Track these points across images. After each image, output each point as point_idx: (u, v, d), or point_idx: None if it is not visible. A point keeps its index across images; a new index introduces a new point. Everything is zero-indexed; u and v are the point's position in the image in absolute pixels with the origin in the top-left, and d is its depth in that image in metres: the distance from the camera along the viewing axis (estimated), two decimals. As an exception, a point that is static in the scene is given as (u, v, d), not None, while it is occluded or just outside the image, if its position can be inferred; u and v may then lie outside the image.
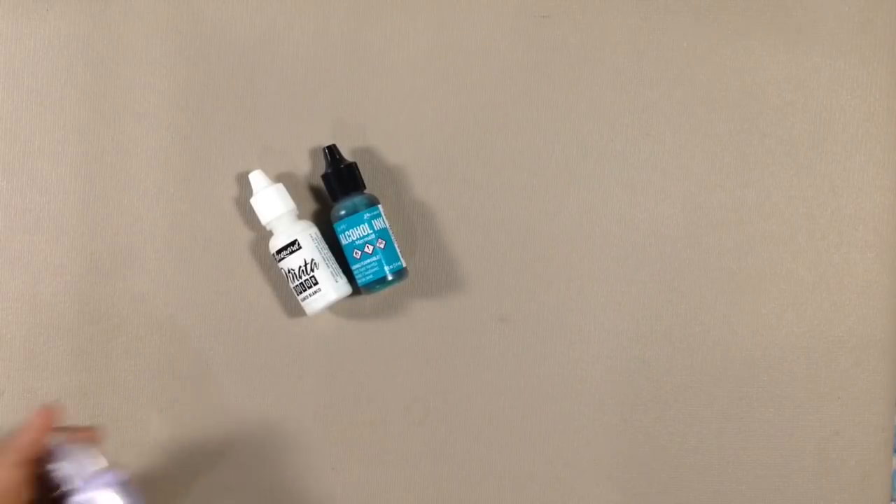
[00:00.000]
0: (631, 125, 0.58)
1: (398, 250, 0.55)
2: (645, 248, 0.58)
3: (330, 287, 0.54)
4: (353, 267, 0.55)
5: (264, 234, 0.57)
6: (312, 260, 0.53)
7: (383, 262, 0.54)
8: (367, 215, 0.54)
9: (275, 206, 0.54)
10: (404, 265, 0.55)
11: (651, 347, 0.58)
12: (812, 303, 0.58)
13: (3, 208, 0.56)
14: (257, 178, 0.55)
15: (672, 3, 0.59)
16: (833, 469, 0.58)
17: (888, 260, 0.59)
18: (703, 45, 0.59)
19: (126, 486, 0.42)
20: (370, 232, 0.54)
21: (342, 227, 0.54)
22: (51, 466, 0.43)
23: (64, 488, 0.42)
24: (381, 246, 0.54)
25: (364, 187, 0.56)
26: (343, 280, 0.55)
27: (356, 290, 0.56)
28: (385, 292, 0.57)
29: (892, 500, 0.61)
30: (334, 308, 0.57)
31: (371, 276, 0.54)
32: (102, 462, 0.43)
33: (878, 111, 0.59)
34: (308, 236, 0.54)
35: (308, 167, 0.57)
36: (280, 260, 0.54)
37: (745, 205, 0.58)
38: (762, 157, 0.59)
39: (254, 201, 0.55)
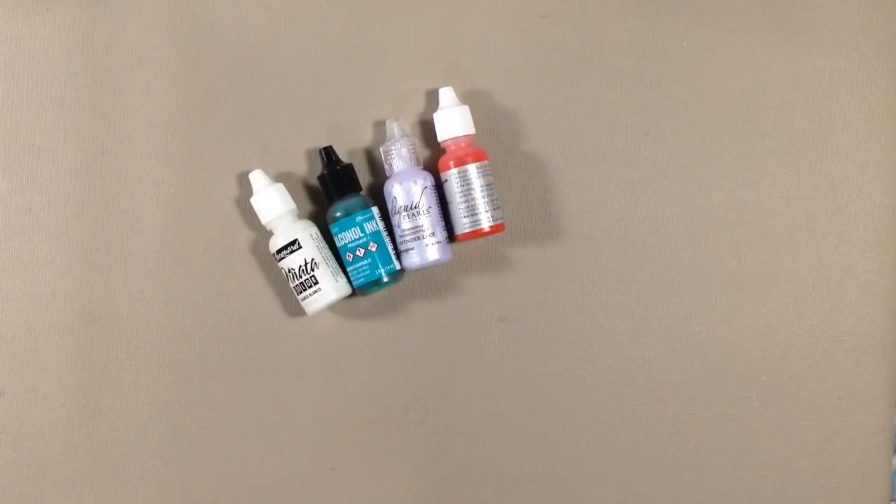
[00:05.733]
0: (631, 125, 0.58)
1: (391, 253, 0.55)
2: (645, 248, 0.58)
3: (330, 286, 0.54)
4: (347, 269, 0.55)
5: (264, 234, 0.57)
6: (313, 259, 0.53)
7: (375, 265, 0.54)
8: (359, 218, 0.54)
9: (275, 205, 0.54)
10: (398, 267, 0.55)
11: (651, 347, 0.58)
12: (812, 303, 0.58)
13: (3, 208, 0.57)
14: (257, 178, 0.55)
15: (672, 3, 0.59)
16: (833, 469, 0.58)
17: (888, 260, 0.59)
18: (703, 45, 0.59)
19: None
20: (361, 235, 0.54)
21: (336, 229, 0.54)
22: None
23: None
24: (373, 249, 0.54)
25: (360, 189, 0.56)
26: (343, 279, 0.55)
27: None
28: (384, 292, 0.57)
29: (892, 500, 0.61)
30: (334, 308, 0.57)
31: (363, 279, 0.54)
32: None
33: (878, 111, 0.59)
34: (308, 236, 0.54)
35: (308, 167, 0.57)
36: (280, 259, 0.54)
37: (745, 205, 0.58)
38: (762, 157, 0.59)
39: (254, 201, 0.55)
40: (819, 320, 0.58)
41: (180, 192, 0.57)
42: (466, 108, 0.55)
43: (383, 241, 0.54)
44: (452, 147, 0.55)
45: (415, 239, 0.54)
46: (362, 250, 0.54)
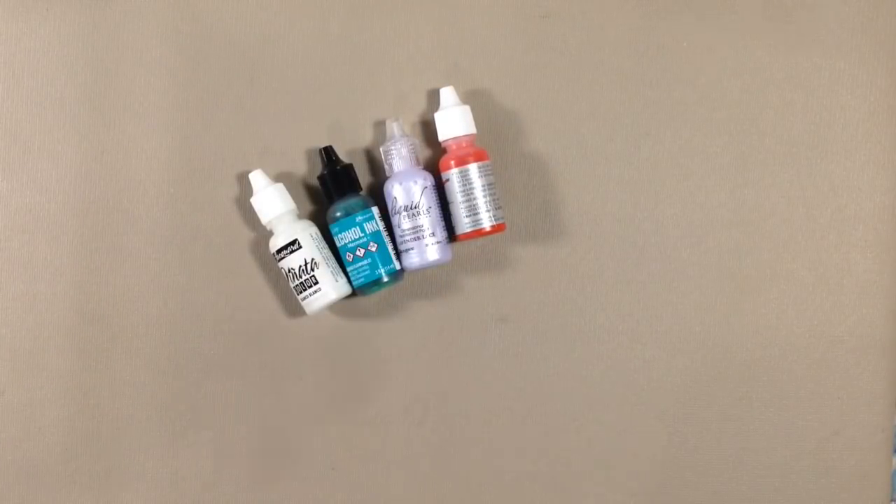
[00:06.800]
0: (631, 125, 0.58)
1: (392, 253, 0.55)
2: (645, 248, 0.58)
3: (330, 286, 0.54)
4: (347, 269, 0.55)
5: (264, 234, 0.57)
6: (313, 259, 0.53)
7: (375, 265, 0.54)
8: (359, 218, 0.54)
9: (275, 205, 0.54)
10: (398, 267, 0.55)
11: (651, 347, 0.58)
12: (812, 303, 0.58)
13: (3, 208, 0.56)
14: (257, 178, 0.55)
15: (672, 3, 0.59)
16: (833, 469, 0.58)
17: (888, 260, 0.59)
18: (703, 45, 0.59)
19: None
20: (361, 235, 0.54)
21: (336, 229, 0.54)
22: None
23: None
24: (373, 249, 0.54)
25: (360, 189, 0.56)
26: (343, 279, 0.55)
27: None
28: (384, 292, 0.57)
29: (892, 501, 0.61)
30: (334, 308, 0.57)
31: (363, 279, 0.54)
32: None
33: (878, 111, 0.59)
34: (308, 235, 0.54)
35: (308, 167, 0.57)
36: (280, 259, 0.54)
37: (745, 205, 0.58)
38: (762, 157, 0.59)
39: (254, 201, 0.55)
40: (819, 320, 0.58)
41: (180, 192, 0.57)
42: (467, 108, 0.55)
43: (383, 241, 0.54)
44: (454, 147, 0.55)
45: (415, 239, 0.54)
46: (362, 250, 0.54)
